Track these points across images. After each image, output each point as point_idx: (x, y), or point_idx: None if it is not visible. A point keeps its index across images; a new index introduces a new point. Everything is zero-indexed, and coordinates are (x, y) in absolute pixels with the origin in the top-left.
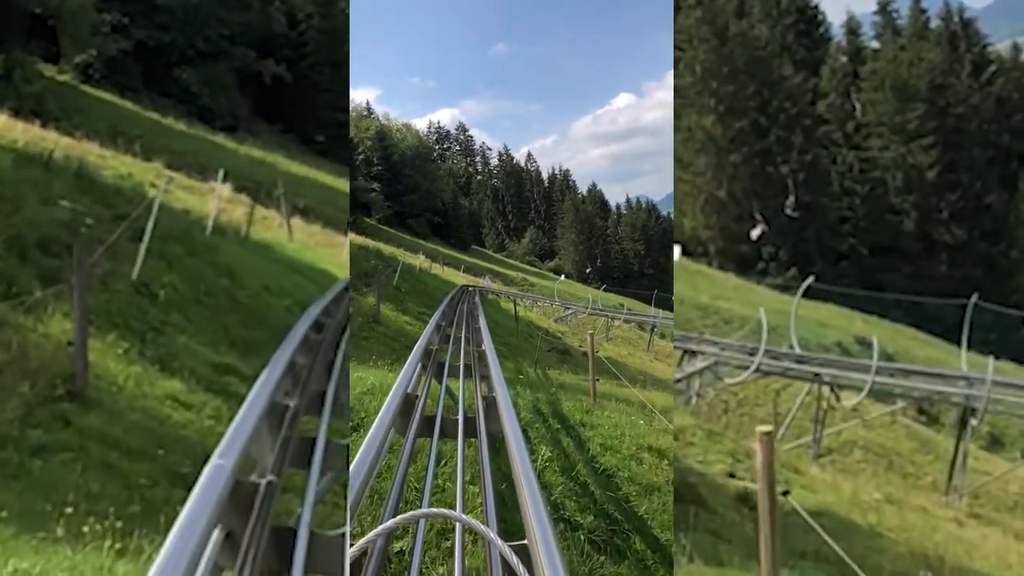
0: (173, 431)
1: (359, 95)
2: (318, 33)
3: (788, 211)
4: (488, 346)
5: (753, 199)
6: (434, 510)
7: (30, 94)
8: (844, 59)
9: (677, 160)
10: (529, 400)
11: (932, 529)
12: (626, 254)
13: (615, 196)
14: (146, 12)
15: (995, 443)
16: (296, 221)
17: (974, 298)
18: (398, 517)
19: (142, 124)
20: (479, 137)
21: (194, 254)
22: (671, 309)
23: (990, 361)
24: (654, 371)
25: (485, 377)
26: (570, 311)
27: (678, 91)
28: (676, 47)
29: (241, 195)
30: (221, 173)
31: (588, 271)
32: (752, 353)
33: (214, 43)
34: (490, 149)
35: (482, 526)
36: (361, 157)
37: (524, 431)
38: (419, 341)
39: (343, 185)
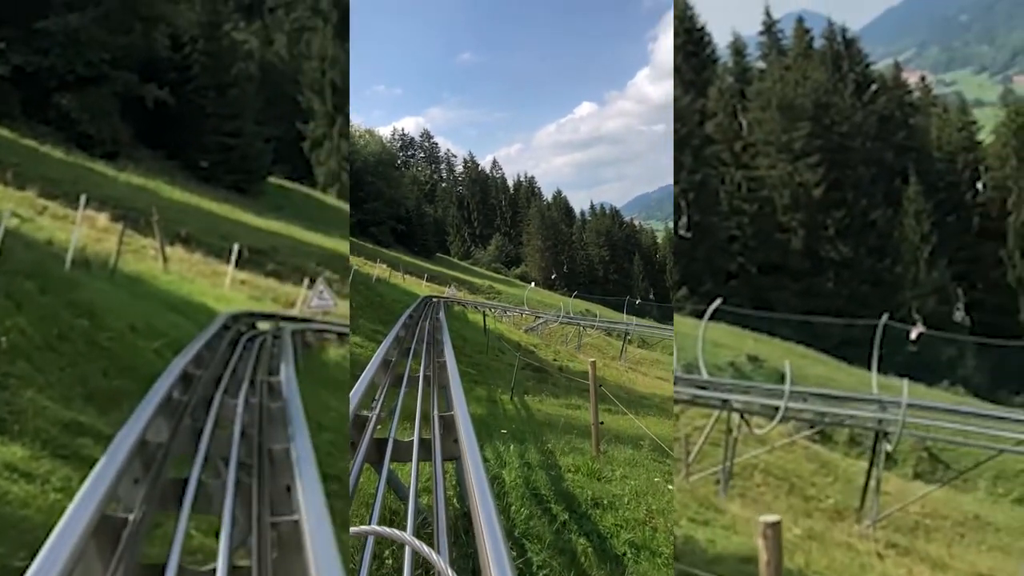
0: (9, 511)
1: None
2: (203, 56)
3: (680, 232)
4: (456, 398)
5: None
6: (384, 529)
7: None
8: (731, 80)
9: None
10: (517, 466)
11: (861, 568)
12: (591, 260)
13: (579, 203)
14: (24, 37)
15: (888, 460)
16: (177, 250)
17: (884, 318)
18: (356, 528)
19: (18, 151)
20: (444, 144)
21: (49, 291)
22: (639, 315)
23: (904, 384)
24: (633, 385)
25: (454, 439)
26: (540, 321)
27: None
28: None
29: (118, 224)
30: (83, 199)
31: (554, 277)
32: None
33: (95, 67)
34: (455, 156)
35: (432, 552)
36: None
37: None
38: (355, 390)
39: (227, 211)
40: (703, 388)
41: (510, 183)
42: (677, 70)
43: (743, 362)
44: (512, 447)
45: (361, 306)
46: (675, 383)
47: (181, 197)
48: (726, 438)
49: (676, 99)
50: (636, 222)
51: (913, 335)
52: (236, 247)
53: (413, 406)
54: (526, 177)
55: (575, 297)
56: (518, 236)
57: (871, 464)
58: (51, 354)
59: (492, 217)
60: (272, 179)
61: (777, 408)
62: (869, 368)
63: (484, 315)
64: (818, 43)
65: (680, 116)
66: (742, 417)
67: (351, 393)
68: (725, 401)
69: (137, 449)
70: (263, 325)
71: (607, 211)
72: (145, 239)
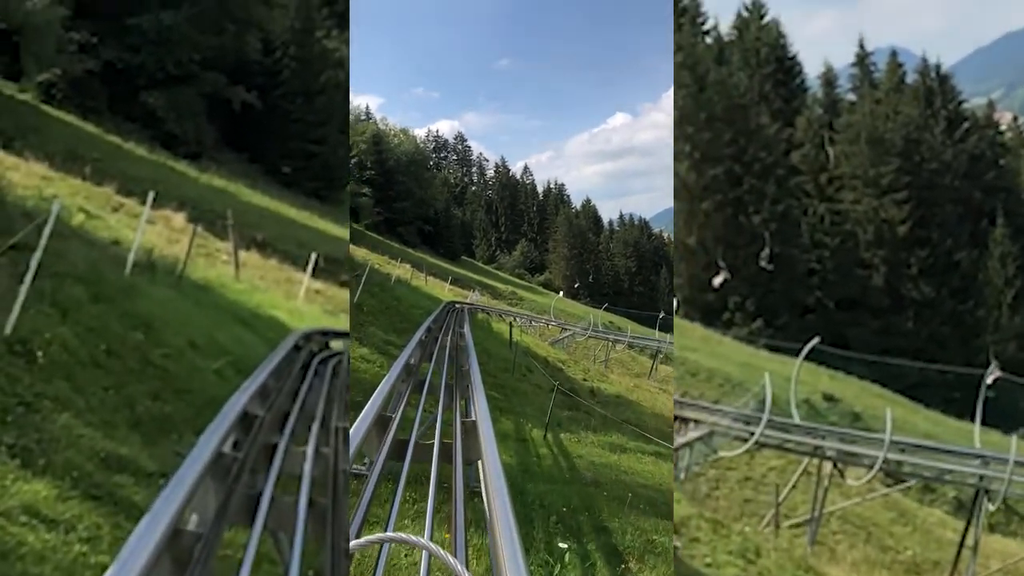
0: (20, 568)
1: (359, 100)
2: (293, 62)
3: (763, 263)
4: (492, 464)
5: (724, 248)
6: (399, 535)
7: None
8: (820, 110)
9: None
10: None
11: None
12: (617, 271)
13: (607, 213)
14: (116, 32)
15: (961, 508)
16: (252, 255)
17: (993, 371)
18: (362, 540)
19: (102, 148)
20: (477, 148)
21: (102, 299)
22: (662, 329)
23: (1013, 440)
24: (664, 410)
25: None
26: (567, 334)
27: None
28: None
29: (196, 225)
30: (151, 196)
31: (577, 286)
32: (749, 422)
33: (185, 67)
34: (487, 160)
35: (449, 556)
36: (354, 160)
37: None
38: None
39: (306, 218)
40: (801, 433)
41: (539, 189)
42: (765, 98)
43: (818, 400)
44: (567, 549)
45: (374, 311)
46: (765, 425)
47: (260, 201)
48: (815, 487)
49: (762, 127)
50: (665, 234)
51: (989, 380)
52: (313, 256)
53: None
54: (556, 184)
55: (605, 309)
56: (544, 243)
57: (969, 523)
58: (96, 372)
59: (519, 222)
60: (352, 187)
61: (871, 457)
62: (944, 412)
63: (511, 326)
64: (911, 78)
65: (766, 145)
66: (835, 466)
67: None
68: (817, 447)
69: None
70: (337, 344)
71: (636, 222)
72: (221, 242)
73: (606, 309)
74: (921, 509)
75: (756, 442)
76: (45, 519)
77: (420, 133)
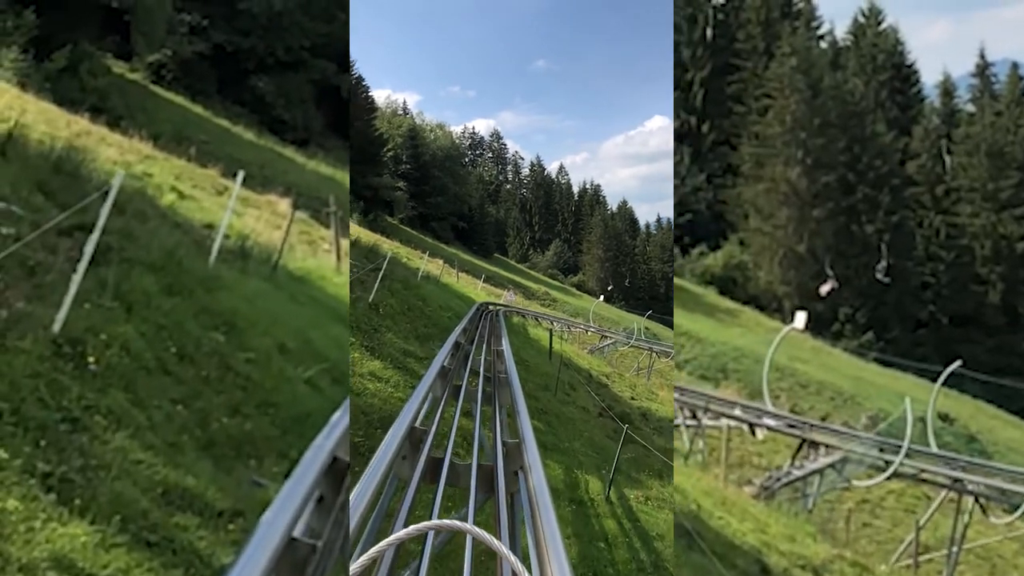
0: None
1: (398, 97)
2: None
3: (879, 275)
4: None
5: (834, 257)
6: (444, 522)
7: (94, 88)
8: (937, 120)
9: (757, 212)
10: None
11: None
12: (653, 275)
13: (642, 216)
14: (227, 15)
15: None
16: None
17: None
18: (409, 528)
19: (209, 130)
20: (512, 147)
21: (178, 292)
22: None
23: None
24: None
25: None
26: (608, 342)
27: (764, 140)
28: (768, 95)
29: (301, 212)
30: (240, 175)
31: (610, 288)
32: (883, 449)
33: (294, 53)
34: (522, 159)
35: (494, 539)
36: (390, 154)
37: None
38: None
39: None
40: (939, 464)
41: (575, 190)
42: (881, 105)
43: (934, 417)
44: None
45: (394, 313)
46: (904, 454)
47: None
48: (954, 521)
49: (877, 135)
50: None
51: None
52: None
53: None
54: (591, 185)
55: (648, 317)
56: (578, 243)
57: None
58: (163, 380)
59: (553, 222)
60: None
61: (1016, 494)
62: None
63: (551, 334)
64: None
65: (881, 153)
66: (976, 501)
67: None
68: (956, 480)
69: None
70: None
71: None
72: (325, 230)
73: (649, 316)
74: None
75: (896, 473)
76: (80, 574)
77: (456, 130)
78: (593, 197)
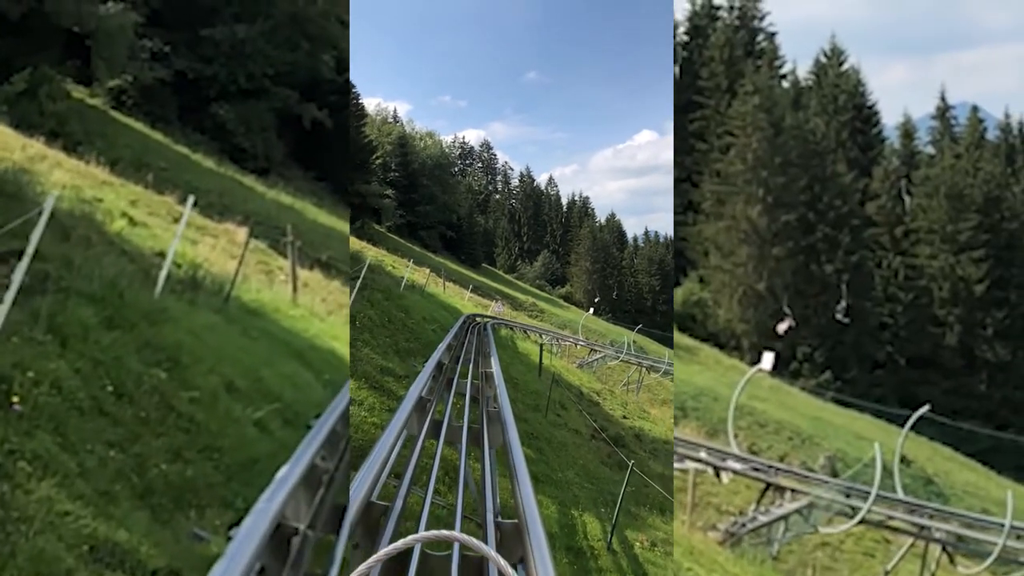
0: None
1: (389, 106)
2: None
3: (839, 316)
4: None
5: (793, 296)
6: (432, 532)
7: (53, 113)
8: (897, 162)
9: (717, 249)
10: None
11: None
12: (640, 288)
13: (630, 229)
14: (189, 42)
15: None
16: (316, 275)
17: None
18: (397, 543)
19: (169, 157)
20: (502, 158)
21: (119, 325)
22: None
23: None
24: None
25: None
26: (598, 356)
27: (726, 178)
28: (730, 133)
29: (259, 241)
30: (191, 200)
31: (596, 300)
32: (850, 494)
33: (257, 81)
34: (512, 169)
35: (481, 544)
36: (379, 161)
37: None
38: None
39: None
40: (906, 511)
41: (564, 202)
42: (842, 145)
43: (890, 460)
44: None
45: (372, 325)
46: (873, 501)
47: (327, 221)
48: (920, 570)
49: (838, 175)
50: None
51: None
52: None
53: None
54: (580, 196)
55: (638, 331)
56: (566, 255)
57: None
58: (98, 422)
59: (542, 233)
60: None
61: (984, 543)
62: (1017, 479)
63: (540, 349)
64: (992, 134)
65: (841, 193)
66: (944, 550)
67: None
68: (923, 528)
69: None
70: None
71: (661, 239)
72: (284, 260)
73: (639, 331)
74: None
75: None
76: None
77: (446, 139)
78: (582, 209)
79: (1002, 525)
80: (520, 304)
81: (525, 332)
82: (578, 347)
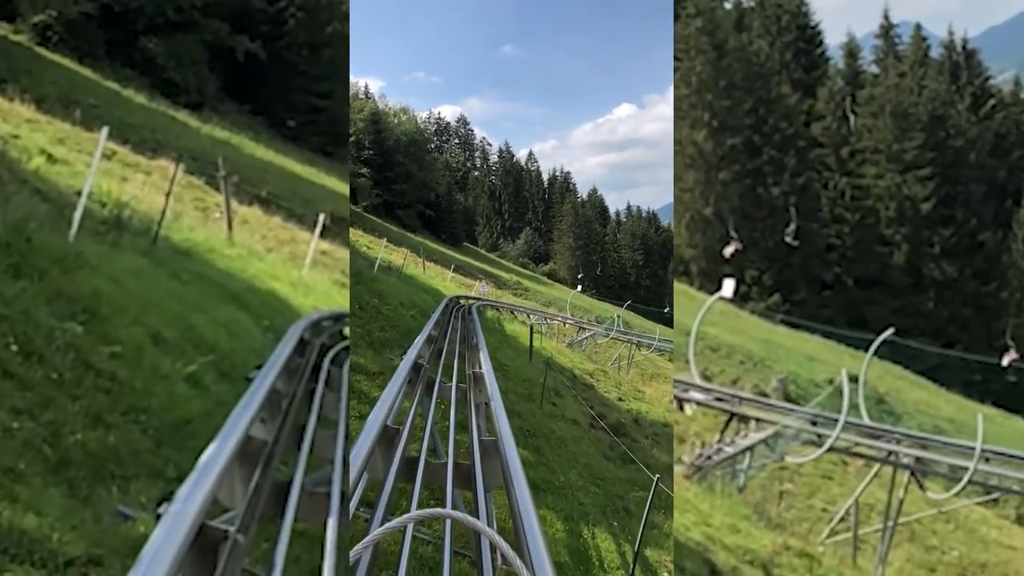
0: None
1: (358, 81)
2: (298, 12)
3: (788, 239)
4: None
5: (740, 219)
6: (424, 511)
7: None
8: (842, 82)
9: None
10: None
11: None
12: (623, 263)
13: (611, 204)
14: None
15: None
16: (255, 211)
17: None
18: (392, 522)
19: (98, 93)
20: (479, 133)
21: (26, 274)
22: (667, 324)
23: None
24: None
25: None
26: (587, 335)
27: (675, 102)
28: (675, 57)
29: (195, 178)
30: (104, 131)
31: (580, 277)
32: (816, 422)
33: (185, 13)
34: (490, 144)
35: (473, 519)
36: (352, 139)
37: None
38: None
39: (312, 175)
40: (872, 436)
41: (544, 178)
42: (785, 67)
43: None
44: None
45: None
46: (841, 428)
47: (264, 155)
48: (889, 496)
49: (783, 96)
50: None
51: (1005, 362)
52: (321, 217)
53: None
54: (561, 172)
55: (627, 308)
56: (549, 232)
57: None
58: (3, 385)
59: (524, 210)
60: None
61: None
62: (965, 395)
63: (531, 331)
64: (936, 52)
65: (786, 115)
66: (912, 475)
67: None
68: (891, 454)
69: None
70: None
71: (644, 214)
72: (221, 197)
73: (628, 307)
74: (955, 499)
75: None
76: None
77: (421, 115)
78: (563, 185)
79: (969, 448)
80: (504, 283)
81: (512, 313)
82: (566, 326)
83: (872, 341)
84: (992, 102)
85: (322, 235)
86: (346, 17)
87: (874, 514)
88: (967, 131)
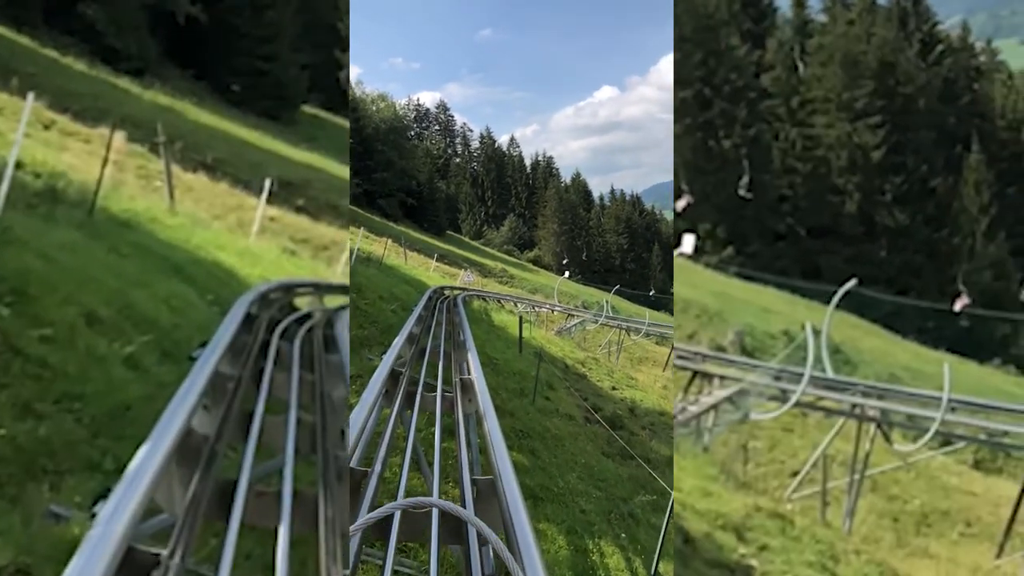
0: None
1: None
2: None
3: (742, 191)
4: None
5: (692, 173)
6: (410, 499)
7: None
8: (791, 32)
9: None
10: None
11: None
12: (608, 247)
13: (594, 189)
14: None
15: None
16: (200, 178)
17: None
18: (376, 511)
19: (37, 61)
20: (460, 119)
21: None
22: (654, 308)
23: None
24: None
25: None
26: (576, 322)
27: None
28: None
29: (138, 146)
30: (30, 97)
31: (565, 262)
32: (779, 377)
33: None
34: (471, 131)
35: (460, 508)
36: None
37: None
38: None
39: (257, 139)
40: (836, 390)
41: (527, 163)
42: (734, 17)
43: (797, 331)
44: None
45: None
46: (807, 383)
47: (209, 121)
48: (855, 449)
49: (733, 47)
50: (656, 210)
51: (957, 307)
52: (268, 182)
53: None
54: (544, 157)
55: (615, 293)
56: (533, 218)
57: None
58: None
59: (507, 197)
60: (306, 108)
61: (920, 418)
62: (920, 342)
63: (520, 322)
64: None
65: (736, 67)
66: (879, 427)
67: None
68: (855, 406)
69: None
70: (304, 302)
71: (627, 197)
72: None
73: (616, 292)
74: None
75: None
76: None
77: (400, 102)
78: (546, 170)
79: (933, 399)
80: (489, 271)
81: (499, 302)
82: (554, 313)
83: (826, 291)
84: (940, 48)
85: (270, 200)
86: None
87: (835, 465)
88: (916, 78)
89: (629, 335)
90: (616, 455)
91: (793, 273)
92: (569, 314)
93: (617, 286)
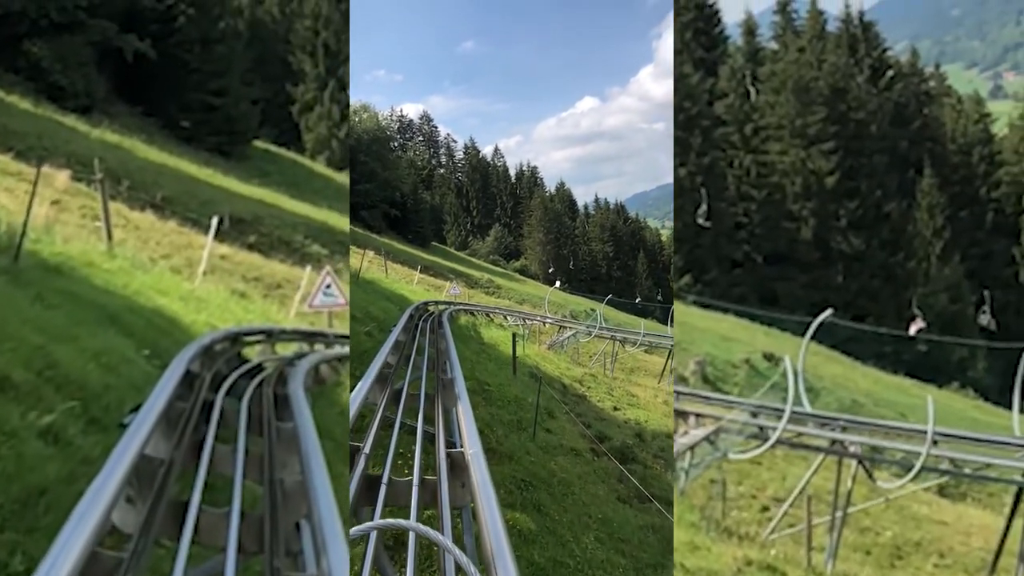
0: None
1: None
2: (188, 8)
3: (700, 220)
4: None
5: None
6: (387, 521)
7: None
8: (742, 59)
9: None
10: None
11: None
12: (594, 255)
13: (579, 198)
14: None
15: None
16: (148, 216)
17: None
18: (353, 528)
19: None
20: (444, 131)
21: None
22: (641, 315)
23: None
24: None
25: None
26: (569, 334)
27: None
28: None
29: (83, 186)
30: None
31: (551, 271)
32: (756, 414)
33: (70, 13)
34: (455, 141)
35: (437, 534)
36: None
37: None
38: None
39: (208, 175)
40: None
41: (512, 173)
42: (687, 46)
43: (758, 359)
44: None
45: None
46: (787, 420)
47: (158, 158)
48: (836, 485)
49: (686, 75)
50: (641, 219)
51: (913, 330)
52: (215, 219)
53: None
54: (528, 166)
55: (607, 303)
56: (518, 228)
57: (1009, 521)
58: None
59: (492, 207)
60: (258, 143)
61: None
62: (880, 367)
63: (514, 340)
64: (832, 25)
65: (689, 95)
66: (860, 463)
67: None
68: (834, 442)
69: None
70: (253, 352)
71: (611, 206)
72: (113, 203)
73: (608, 302)
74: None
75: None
76: None
77: (383, 112)
78: (531, 179)
79: (915, 431)
80: (476, 282)
81: (488, 316)
82: (546, 326)
83: (784, 319)
84: (890, 73)
85: (220, 238)
86: (240, 12)
87: (815, 501)
88: (868, 103)
89: (624, 347)
90: (633, 498)
91: (751, 300)
92: (561, 326)
93: (609, 296)
